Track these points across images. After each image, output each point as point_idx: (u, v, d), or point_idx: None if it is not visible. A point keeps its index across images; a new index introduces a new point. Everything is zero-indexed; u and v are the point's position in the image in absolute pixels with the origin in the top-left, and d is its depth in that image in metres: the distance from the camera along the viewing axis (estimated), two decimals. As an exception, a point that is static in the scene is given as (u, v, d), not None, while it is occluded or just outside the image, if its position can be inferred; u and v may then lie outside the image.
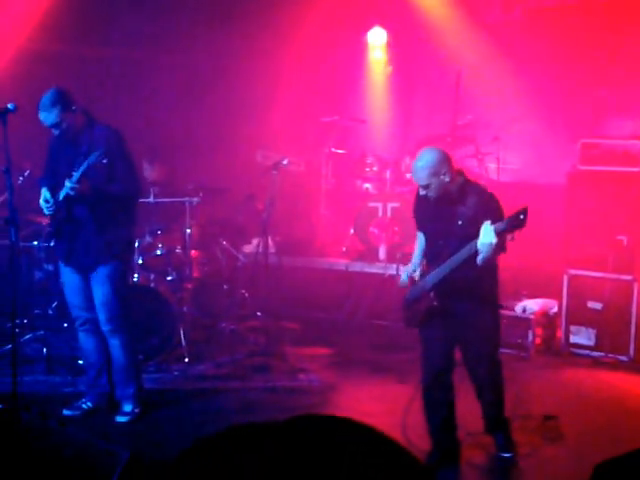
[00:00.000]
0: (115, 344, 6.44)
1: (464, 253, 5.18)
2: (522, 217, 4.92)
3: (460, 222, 5.31)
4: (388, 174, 10.43)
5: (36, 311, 8.31)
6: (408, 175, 10.13)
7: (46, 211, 6.20)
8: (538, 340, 8.70)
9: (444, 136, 10.05)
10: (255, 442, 1.68)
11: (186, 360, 7.97)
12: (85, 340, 6.57)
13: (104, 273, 6.26)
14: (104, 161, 5.96)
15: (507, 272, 9.29)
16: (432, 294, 5.45)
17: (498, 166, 10.59)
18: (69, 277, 6.41)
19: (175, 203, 8.66)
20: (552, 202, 9.57)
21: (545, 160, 10.72)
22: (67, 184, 5.93)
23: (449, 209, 5.41)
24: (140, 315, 7.82)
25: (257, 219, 9.36)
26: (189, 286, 8.61)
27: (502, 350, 8.44)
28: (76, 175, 5.91)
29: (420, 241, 5.86)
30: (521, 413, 6.35)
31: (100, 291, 6.30)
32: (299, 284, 9.83)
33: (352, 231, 10.47)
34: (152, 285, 8.03)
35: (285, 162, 8.81)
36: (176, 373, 7.75)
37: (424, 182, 5.33)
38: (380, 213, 10.17)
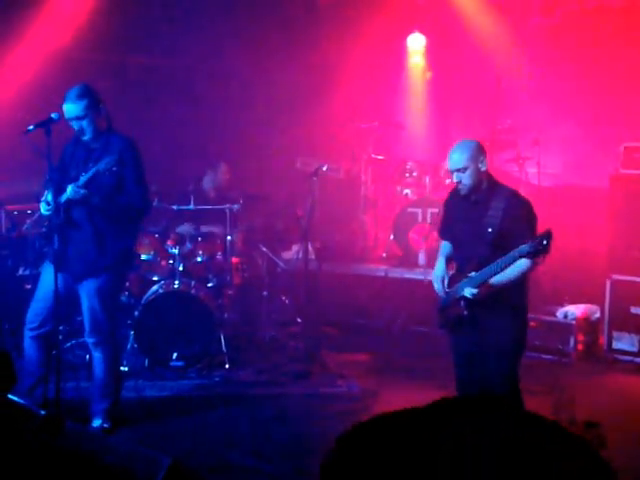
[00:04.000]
0: (97, 357, 6.29)
1: (499, 266, 5.13)
2: (545, 243, 4.85)
3: (490, 229, 5.28)
4: (427, 180, 10.42)
5: (79, 318, 8.38)
6: (447, 180, 10.11)
7: (44, 212, 6.01)
8: (580, 346, 8.63)
9: (483, 140, 9.94)
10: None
11: (227, 366, 7.99)
12: (30, 347, 6.25)
13: (94, 285, 6.12)
14: (114, 169, 5.85)
15: (548, 277, 9.26)
16: (462, 303, 5.41)
17: (539, 170, 10.52)
18: (51, 281, 5.84)
19: (216, 210, 8.72)
20: (594, 206, 9.50)
21: (587, 164, 10.62)
22: (70, 187, 5.84)
23: (479, 211, 5.38)
24: (181, 322, 7.89)
25: (297, 225, 9.38)
26: (229, 292, 8.66)
27: (543, 356, 8.51)
28: (82, 179, 5.84)
29: (444, 249, 5.80)
30: (563, 419, 6.29)
31: (87, 303, 6.16)
32: (339, 290, 9.82)
33: (392, 237, 10.47)
34: (193, 292, 8.06)
35: (325, 168, 8.83)
36: (217, 379, 7.78)
37: (462, 164, 5.30)
38: (420, 219, 10.16)
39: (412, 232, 10.15)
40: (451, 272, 5.67)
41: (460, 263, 5.59)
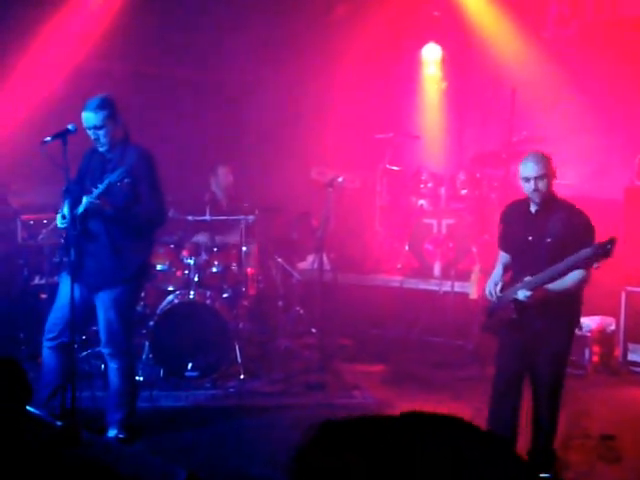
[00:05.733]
0: (113, 367, 6.31)
1: (561, 268, 5.26)
2: (609, 247, 5.02)
3: (549, 240, 5.44)
4: (443, 190, 10.41)
5: (94, 327, 8.41)
6: (463, 191, 10.11)
7: (60, 225, 6.04)
8: (595, 358, 8.60)
9: (499, 152, 10.00)
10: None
11: (242, 377, 8.00)
12: (49, 357, 6.25)
13: (111, 296, 6.13)
14: (126, 180, 5.84)
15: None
16: (512, 306, 5.53)
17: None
18: (69, 292, 5.85)
19: (231, 220, 8.75)
20: (609, 218, 9.45)
21: (602, 175, 10.59)
22: (85, 199, 5.83)
23: (539, 222, 5.53)
24: (196, 332, 7.90)
25: (312, 236, 9.40)
26: (245, 303, 8.68)
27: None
28: (96, 191, 5.83)
29: (502, 258, 5.95)
30: (578, 432, 6.28)
31: (104, 314, 6.17)
32: (354, 301, 9.82)
33: (407, 248, 10.46)
34: (208, 302, 8.07)
35: (340, 179, 8.85)
36: (232, 390, 7.80)
37: (542, 171, 5.43)
38: (435, 230, 10.15)
39: (427, 243, 10.14)
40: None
41: (516, 272, 5.71)
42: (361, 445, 1.66)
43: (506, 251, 5.91)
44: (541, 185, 5.44)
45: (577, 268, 5.23)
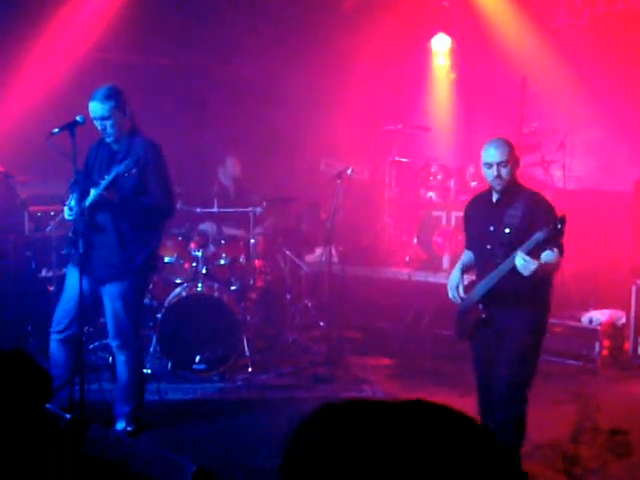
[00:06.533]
0: (121, 360, 6.31)
1: (508, 264, 5.08)
2: (559, 227, 4.82)
3: (507, 230, 5.26)
4: (452, 183, 10.36)
5: (102, 319, 8.39)
6: (473, 183, 10.06)
7: (67, 217, 6.03)
8: (605, 352, 8.55)
9: (509, 144, 9.93)
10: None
11: (249, 370, 8.00)
12: (56, 350, 6.25)
13: (118, 289, 6.13)
14: (133, 171, 5.81)
15: (573, 282, 9.19)
16: (480, 306, 5.38)
17: (564, 174, 10.44)
18: (76, 285, 5.92)
19: (239, 212, 8.72)
20: (619, 210, 9.41)
21: (612, 167, 10.54)
22: (93, 191, 5.81)
23: (499, 211, 5.35)
24: (204, 325, 7.88)
25: (320, 228, 9.37)
26: (252, 296, 8.65)
27: (568, 361, 8.43)
28: (104, 183, 5.79)
29: (464, 258, 5.78)
30: (588, 426, 6.23)
31: (111, 306, 6.16)
32: (362, 293, 9.79)
33: (415, 240, 10.42)
34: (216, 295, 8.05)
35: (349, 171, 8.81)
36: (239, 382, 7.79)
37: (503, 157, 5.29)
38: (444, 222, 10.11)
39: (436, 235, 10.09)
40: (467, 279, 5.65)
41: (479, 266, 5.56)
42: (357, 427, 1.65)
43: (470, 248, 5.74)
44: (504, 172, 5.28)
45: (533, 254, 4.93)
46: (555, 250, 5.00)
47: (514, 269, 5.01)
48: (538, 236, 4.89)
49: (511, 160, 5.31)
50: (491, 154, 5.34)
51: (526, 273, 4.92)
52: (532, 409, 5.71)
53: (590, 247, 9.27)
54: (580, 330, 8.57)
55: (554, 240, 4.90)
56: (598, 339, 8.46)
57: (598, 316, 8.69)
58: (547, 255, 4.98)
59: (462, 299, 5.52)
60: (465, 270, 5.71)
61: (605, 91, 10.55)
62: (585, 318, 8.71)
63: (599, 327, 8.53)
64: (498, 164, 5.29)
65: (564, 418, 6.66)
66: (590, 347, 8.45)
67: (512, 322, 5.29)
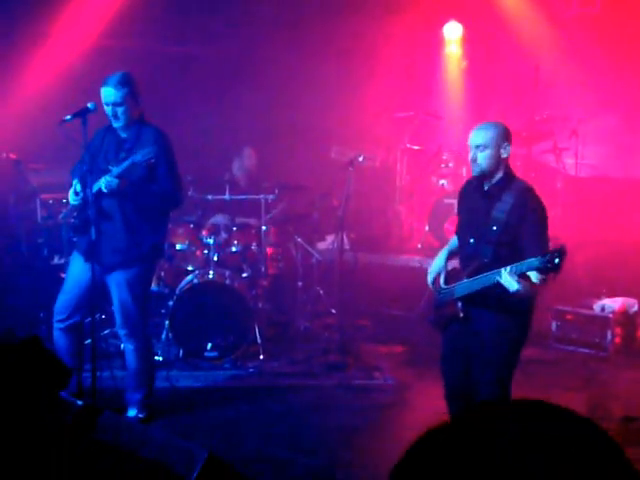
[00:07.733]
0: (129, 349, 6.32)
1: (494, 277, 4.73)
2: (557, 262, 4.36)
3: (495, 227, 4.91)
4: (464, 170, 10.32)
5: (111, 307, 8.40)
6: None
7: (72, 201, 6.03)
8: (617, 339, 8.53)
9: (519, 131, 9.90)
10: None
11: (261, 357, 8.00)
12: (60, 339, 6.22)
13: (125, 277, 6.11)
14: (152, 160, 5.77)
15: (586, 270, 9.16)
16: (460, 304, 5.08)
17: (576, 161, 10.41)
18: (80, 272, 6.07)
19: (250, 200, 8.71)
20: (631, 197, 9.39)
21: (624, 155, 10.51)
22: (105, 178, 5.76)
23: (487, 204, 5.01)
24: (215, 312, 7.88)
25: (332, 216, 9.34)
26: (264, 283, 8.64)
27: (581, 349, 8.41)
28: (116, 170, 5.76)
29: (451, 243, 5.51)
30: (600, 414, 6.22)
31: (118, 295, 6.15)
32: (373, 281, 9.77)
33: (427, 228, 10.40)
34: (227, 282, 8.05)
35: (361, 158, 8.78)
36: (251, 370, 7.78)
37: (482, 141, 4.93)
38: (456, 210, 10.04)
39: (448, 223, 10.05)
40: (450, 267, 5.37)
41: (462, 258, 5.24)
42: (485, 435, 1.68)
43: (457, 234, 5.40)
44: (480, 157, 4.92)
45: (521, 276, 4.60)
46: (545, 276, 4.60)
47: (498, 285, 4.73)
48: (531, 262, 4.51)
49: (493, 146, 4.92)
50: (471, 135, 5.02)
51: (511, 290, 4.64)
52: (544, 396, 5.68)
53: (603, 235, 9.24)
54: (592, 318, 8.55)
55: (546, 272, 4.48)
56: (610, 327, 8.44)
57: (610, 304, 8.66)
58: (536, 277, 4.58)
59: (441, 290, 5.27)
60: (451, 257, 5.43)
61: (617, 78, 10.50)
62: (597, 306, 8.69)
63: (611, 315, 8.51)
64: (477, 147, 4.95)
65: (576, 405, 6.64)
66: (602, 335, 8.44)
67: (492, 327, 4.98)
